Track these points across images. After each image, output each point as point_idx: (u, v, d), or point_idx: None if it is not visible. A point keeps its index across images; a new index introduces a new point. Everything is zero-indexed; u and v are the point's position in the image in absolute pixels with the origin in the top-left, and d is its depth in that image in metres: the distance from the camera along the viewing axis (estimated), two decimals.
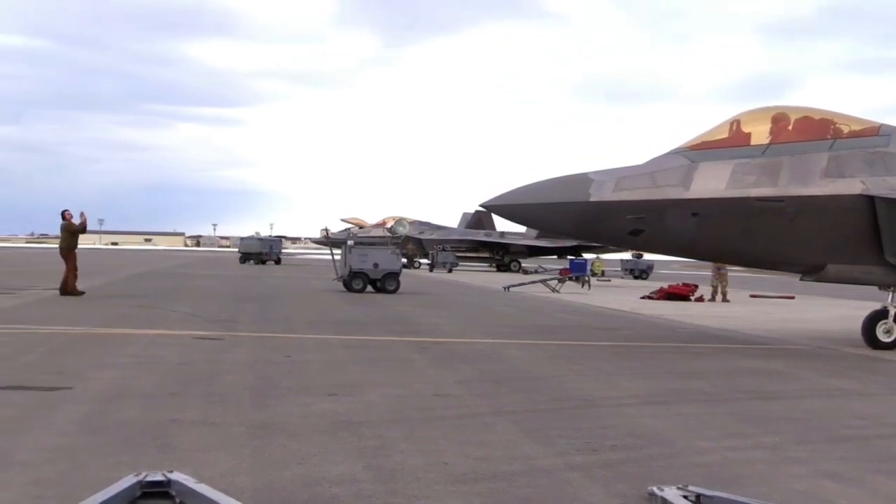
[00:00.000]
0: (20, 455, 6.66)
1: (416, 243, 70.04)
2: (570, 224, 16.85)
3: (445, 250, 64.45)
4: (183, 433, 7.60)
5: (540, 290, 37.04)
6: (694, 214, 15.95)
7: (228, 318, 19.59)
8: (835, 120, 16.72)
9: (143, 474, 5.78)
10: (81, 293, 24.84)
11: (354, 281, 31.67)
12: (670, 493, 5.80)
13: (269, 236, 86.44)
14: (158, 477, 5.75)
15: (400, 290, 31.92)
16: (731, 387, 11.78)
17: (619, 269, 62.26)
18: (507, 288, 37.35)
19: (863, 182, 16.05)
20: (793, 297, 35.39)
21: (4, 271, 41.44)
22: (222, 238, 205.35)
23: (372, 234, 70.41)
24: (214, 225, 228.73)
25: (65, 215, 25.80)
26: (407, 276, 38.50)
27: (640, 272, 58.75)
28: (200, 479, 5.79)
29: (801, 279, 17.63)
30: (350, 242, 34.31)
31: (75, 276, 25.24)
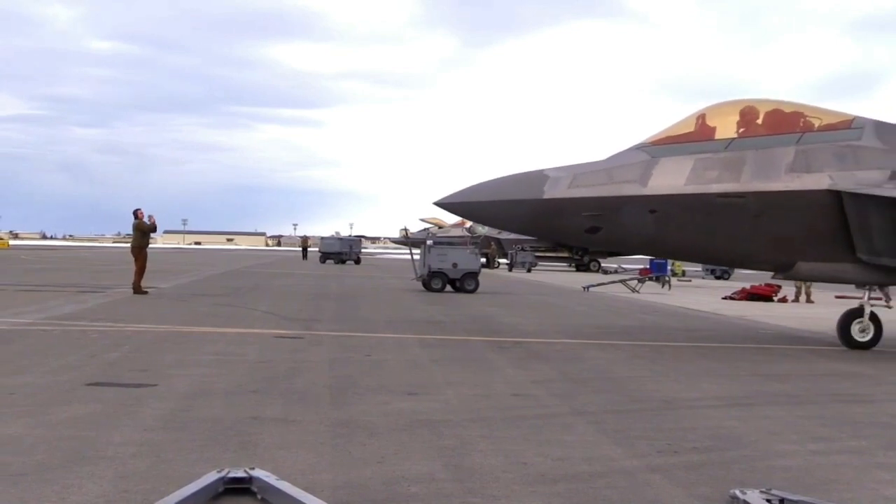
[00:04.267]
0: (108, 450, 6.80)
1: (495, 243, 70.04)
2: (524, 222, 16.69)
3: (525, 250, 64.18)
4: (264, 431, 7.69)
5: (619, 291, 36.72)
6: (651, 211, 15.57)
7: (308, 317, 19.81)
8: (806, 113, 16.13)
9: (226, 470, 5.88)
10: (145, 292, 25.15)
11: (433, 280, 31.80)
12: (753, 496, 5.70)
13: (349, 236, 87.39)
14: (240, 473, 5.85)
15: (479, 289, 31.96)
16: (815, 389, 11.54)
17: (700, 268, 61.23)
18: (587, 288, 37.12)
19: (831, 177, 15.35)
20: (881, 299, 34.48)
21: (92, 270, 42.50)
22: (302, 238, 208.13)
23: (451, 233, 70.83)
24: (295, 225, 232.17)
25: (137, 214, 26.21)
26: (486, 275, 38.49)
27: (721, 272, 57.59)
28: (281, 476, 5.86)
29: (772, 277, 17.15)
30: (429, 242, 34.56)
31: (140, 276, 25.52)
